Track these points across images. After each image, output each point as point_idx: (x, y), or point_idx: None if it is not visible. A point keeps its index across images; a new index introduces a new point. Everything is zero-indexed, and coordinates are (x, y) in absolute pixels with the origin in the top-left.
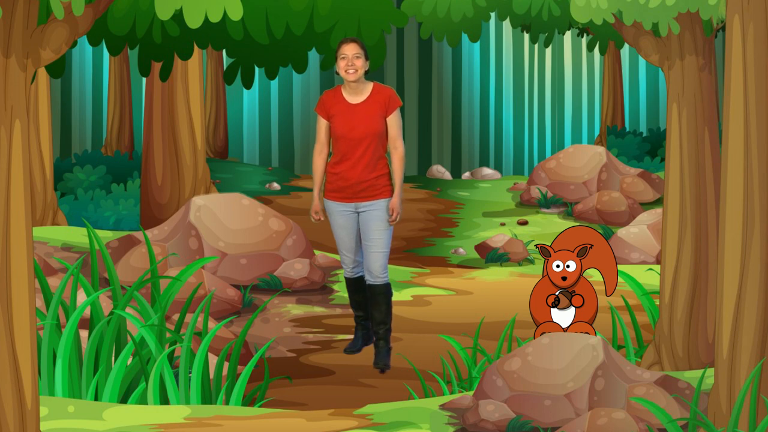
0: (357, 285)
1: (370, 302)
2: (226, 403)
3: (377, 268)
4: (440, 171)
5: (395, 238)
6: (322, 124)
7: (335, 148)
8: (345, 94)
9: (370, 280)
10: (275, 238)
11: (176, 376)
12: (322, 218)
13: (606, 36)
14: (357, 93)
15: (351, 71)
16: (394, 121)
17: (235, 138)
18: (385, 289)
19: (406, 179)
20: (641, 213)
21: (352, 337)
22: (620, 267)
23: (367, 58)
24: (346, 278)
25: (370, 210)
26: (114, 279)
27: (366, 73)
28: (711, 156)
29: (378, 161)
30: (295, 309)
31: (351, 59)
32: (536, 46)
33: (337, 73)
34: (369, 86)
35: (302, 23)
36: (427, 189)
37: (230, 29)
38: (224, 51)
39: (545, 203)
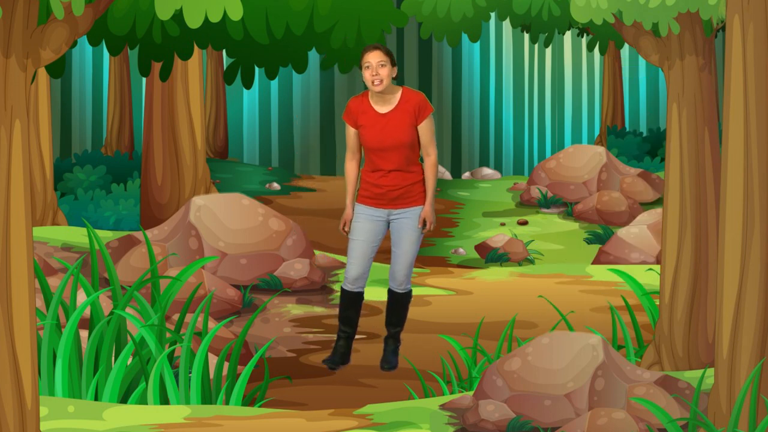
0: (354, 300)
1: (391, 307)
2: (226, 403)
3: (403, 277)
4: (440, 171)
5: None
6: (351, 132)
7: (367, 158)
8: (372, 102)
9: (394, 287)
10: (275, 238)
11: (176, 376)
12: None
13: (606, 36)
14: (385, 101)
15: (377, 81)
16: (425, 128)
17: (235, 138)
18: (408, 297)
19: None
20: (641, 213)
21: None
22: (620, 267)
23: (393, 63)
24: (343, 290)
25: (402, 218)
26: (114, 279)
27: (394, 78)
28: (711, 156)
29: (411, 169)
30: (295, 309)
31: (376, 68)
32: (536, 46)
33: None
34: (398, 93)
35: (302, 23)
36: None
37: (230, 29)
38: (224, 51)
39: (545, 203)
